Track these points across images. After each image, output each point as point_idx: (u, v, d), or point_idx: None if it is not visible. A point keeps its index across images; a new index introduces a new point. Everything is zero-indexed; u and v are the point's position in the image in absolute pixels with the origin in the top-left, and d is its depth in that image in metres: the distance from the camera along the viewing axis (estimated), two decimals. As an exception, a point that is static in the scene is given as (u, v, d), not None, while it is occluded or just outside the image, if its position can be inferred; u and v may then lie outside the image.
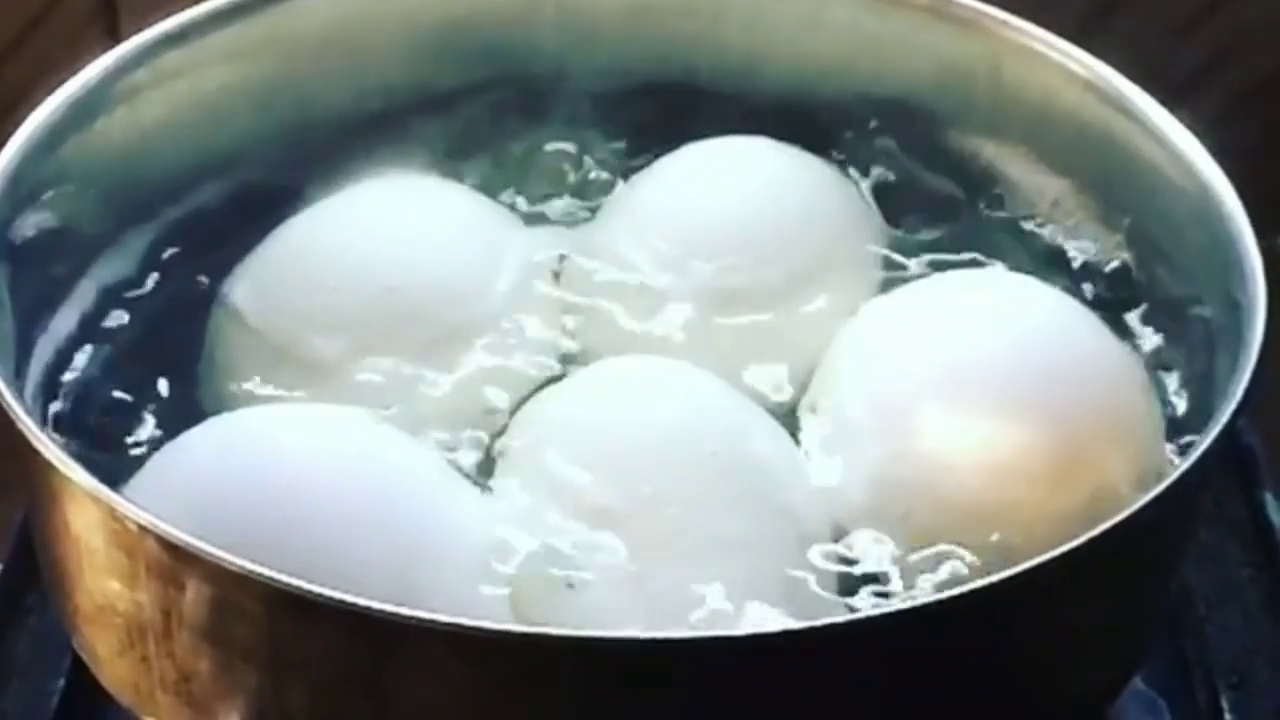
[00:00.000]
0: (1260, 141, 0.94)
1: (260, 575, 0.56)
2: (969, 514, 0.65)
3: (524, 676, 0.57)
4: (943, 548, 0.65)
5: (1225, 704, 0.73)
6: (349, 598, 0.55)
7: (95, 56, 0.73)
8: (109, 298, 0.72)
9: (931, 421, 0.66)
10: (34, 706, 0.72)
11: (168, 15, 0.75)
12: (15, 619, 0.74)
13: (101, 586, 0.60)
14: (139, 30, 0.74)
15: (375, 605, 0.55)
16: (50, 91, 0.71)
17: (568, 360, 0.72)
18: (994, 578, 0.57)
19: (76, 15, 0.95)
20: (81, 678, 0.68)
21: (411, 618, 0.55)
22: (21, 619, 0.75)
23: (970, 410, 0.66)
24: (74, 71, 0.72)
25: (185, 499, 0.61)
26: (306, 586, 0.55)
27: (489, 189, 0.77)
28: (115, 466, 0.65)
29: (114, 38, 0.93)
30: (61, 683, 0.72)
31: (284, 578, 0.56)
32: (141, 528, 0.57)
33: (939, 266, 0.74)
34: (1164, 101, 0.73)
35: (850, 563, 0.65)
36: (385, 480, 0.64)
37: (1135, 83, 0.74)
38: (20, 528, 0.75)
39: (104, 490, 0.59)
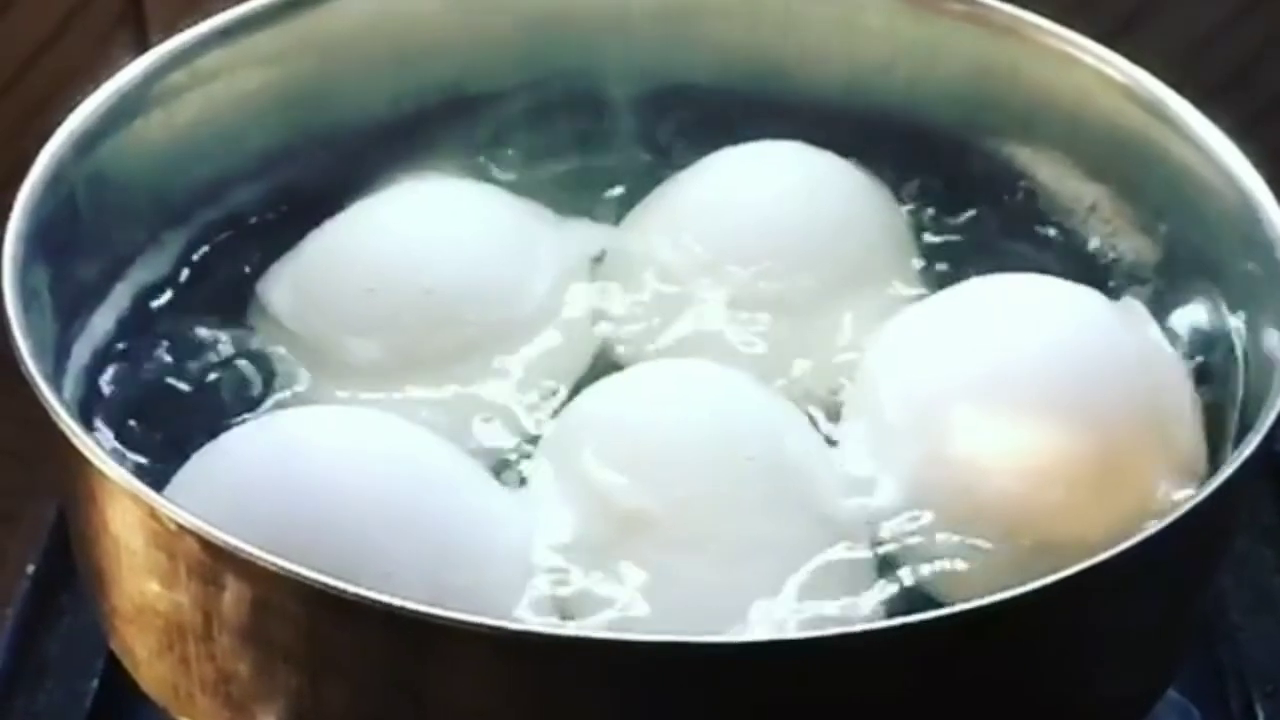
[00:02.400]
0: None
1: (300, 576, 0.56)
2: (1006, 518, 0.65)
3: (561, 678, 0.57)
4: (980, 553, 0.65)
5: (1260, 712, 0.73)
6: (388, 598, 0.55)
7: (123, 58, 0.73)
8: (146, 299, 0.72)
9: (969, 425, 0.66)
10: (67, 708, 0.72)
11: (196, 17, 0.75)
12: (49, 620, 0.75)
13: (141, 587, 0.60)
14: (167, 33, 0.74)
15: (413, 606, 0.55)
16: (79, 93, 0.71)
17: (603, 362, 0.72)
18: (1030, 585, 0.57)
19: (105, 17, 0.95)
20: (115, 679, 0.68)
21: (450, 619, 0.55)
22: (55, 620, 0.75)
23: (1008, 414, 0.66)
24: (103, 73, 0.72)
25: (225, 500, 0.61)
26: (346, 587, 0.55)
27: (524, 191, 0.77)
28: (154, 467, 0.66)
29: (142, 40, 0.93)
30: (95, 684, 0.72)
31: (323, 578, 0.56)
32: (182, 528, 0.57)
33: (975, 270, 0.74)
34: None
35: (886, 566, 0.65)
36: (422, 482, 0.64)
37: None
38: (53, 528, 0.75)
39: (144, 490, 0.58)
